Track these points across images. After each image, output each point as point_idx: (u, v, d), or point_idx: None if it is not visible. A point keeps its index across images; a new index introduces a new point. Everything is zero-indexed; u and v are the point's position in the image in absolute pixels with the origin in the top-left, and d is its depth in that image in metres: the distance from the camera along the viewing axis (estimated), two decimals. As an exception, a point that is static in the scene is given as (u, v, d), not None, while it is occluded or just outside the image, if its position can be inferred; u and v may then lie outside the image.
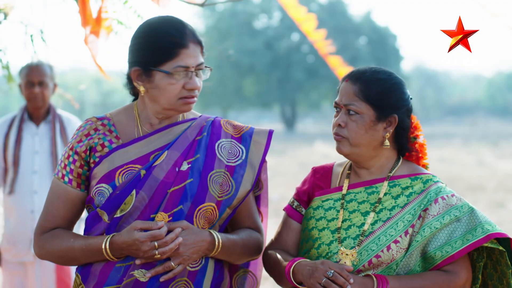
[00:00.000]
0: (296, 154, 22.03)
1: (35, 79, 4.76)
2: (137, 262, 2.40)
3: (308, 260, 2.49)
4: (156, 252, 2.37)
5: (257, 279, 2.73)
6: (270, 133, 2.62)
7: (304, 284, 2.44)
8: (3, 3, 3.90)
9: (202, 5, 3.78)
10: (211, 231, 2.48)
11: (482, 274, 2.58)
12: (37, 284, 4.77)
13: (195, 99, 2.48)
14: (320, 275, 2.39)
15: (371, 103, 2.52)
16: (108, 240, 2.40)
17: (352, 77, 2.57)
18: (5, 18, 4.02)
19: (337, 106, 2.58)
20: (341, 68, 5.51)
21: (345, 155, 2.58)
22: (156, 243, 2.36)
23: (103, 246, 2.40)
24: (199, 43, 2.47)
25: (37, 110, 4.83)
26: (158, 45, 2.42)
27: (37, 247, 2.54)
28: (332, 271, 2.38)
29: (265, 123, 42.85)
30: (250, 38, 37.25)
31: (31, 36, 4.07)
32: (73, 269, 4.83)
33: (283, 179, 14.97)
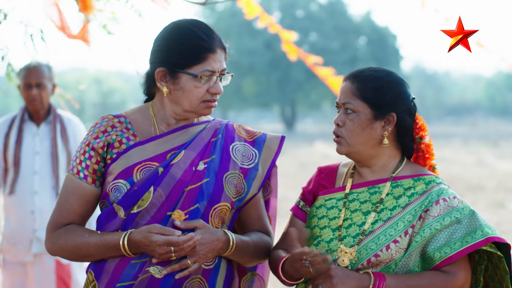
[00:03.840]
0: (296, 154, 22.03)
1: (32, 81, 4.75)
2: (153, 261, 2.43)
3: (288, 255, 2.48)
4: (173, 255, 2.41)
5: (265, 282, 2.77)
6: (282, 139, 2.67)
7: (304, 276, 2.44)
8: (2, 3, 3.90)
9: (204, 3, 3.79)
10: (226, 231, 2.52)
11: (484, 276, 2.57)
12: (37, 284, 4.77)
13: (216, 103, 2.53)
14: (300, 263, 2.38)
15: (367, 101, 2.52)
16: (127, 236, 2.42)
17: (350, 77, 2.58)
18: (5, 18, 4.01)
19: (337, 105, 2.59)
20: (331, 78, 5.57)
21: (344, 155, 2.59)
22: (172, 248, 2.40)
23: (121, 242, 2.42)
24: (224, 49, 2.52)
25: (36, 112, 4.82)
26: (187, 48, 2.46)
27: (50, 243, 2.53)
28: (308, 261, 2.37)
29: (265, 123, 42.87)
30: (249, 38, 37.28)
31: (31, 36, 4.06)
32: (73, 269, 4.83)
33: (283, 179, 14.96)
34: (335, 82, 5.75)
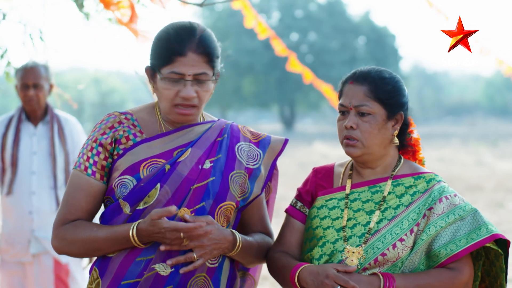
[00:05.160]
0: (295, 154, 22.03)
1: (29, 81, 4.74)
2: (162, 248, 2.41)
3: (311, 265, 2.49)
4: (183, 242, 2.40)
5: (255, 281, 2.80)
6: (286, 141, 2.69)
7: None
8: (2, 3, 3.89)
9: (201, 5, 3.77)
10: (233, 231, 2.53)
11: (481, 270, 2.60)
12: (35, 284, 4.77)
13: (192, 110, 2.50)
14: (330, 285, 2.40)
15: (382, 102, 2.53)
16: (135, 227, 2.41)
17: (357, 78, 2.56)
18: (4, 18, 4.01)
19: (344, 109, 2.57)
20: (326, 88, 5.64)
21: (356, 157, 2.58)
22: (181, 234, 2.38)
23: (130, 233, 2.41)
24: (204, 54, 2.48)
25: (33, 112, 4.82)
26: (160, 49, 2.49)
27: (57, 240, 2.52)
28: (339, 287, 2.39)
29: (264, 123, 42.88)
30: (249, 38, 37.26)
31: (30, 35, 4.06)
32: (72, 269, 4.82)
33: (282, 179, 14.93)
34: (329, 90, 5.83)
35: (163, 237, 2.39)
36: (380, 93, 2.52)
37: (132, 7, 3.48)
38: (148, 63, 2.55)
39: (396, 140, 2.58)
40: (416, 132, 2.68)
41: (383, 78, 2.55)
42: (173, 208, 2.38)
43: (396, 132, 2.57)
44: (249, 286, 2.76)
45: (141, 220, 2.43)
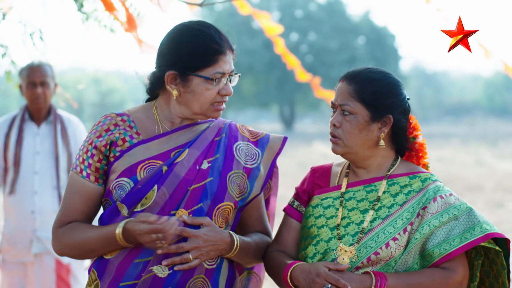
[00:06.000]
0: (295, 154, 22.03)
1: (37, 79, 4.75)
2: (158, 252, 2.42)
3: (303, 264, 2.51)
4: (161, 243, 2.37)
5: (261, 279, 2.79)
6: (285, 140, 2.68)
7: None
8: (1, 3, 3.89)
9: (200, 4, 3.78)
10: (231, 233, 2.52)
11: (480, 271, 2.60)
12: (36, 284, 4.77)
13: (224, 105, 2.53)
14: (320, 284, 2.41)
15: (365, 103, 2.53)
16: (122, 226, 2.40)
17: (347, 78, 2.58)
18: (3, 18, 4.01)
19: (333, 106, 2.60)
20: (319, 89, 5.62)
21: (340, 155, 2.60)
22: (155, 235, 2.36)
23: (116, 231, 2.40)
24: (232, 50, 2.52)
25: (38, 111, 4.83)
26: (199, 50, 2.45)
27: (55, 242, 2.54)
28: (329, 285, 2.40)
29: (264, 123, 42.86)
30: (248, 38, 37.28)
31: (30, 35, 4.06)
32: (73, 268, 4.83)
33: (282, 179, 14.89)
34: (326, 93, 5.81)
35: (142, 241, 2.37)
36: (364, 94, 2.52)
37: (129, 17, 3.48)
38: (167, 67, 2.47)
39: (382, 143, 2.55)
40: (421, 137, 2.66)
41: (371, 79, 2.55)
42: (163, 219, 2.35)
43: (383, 135, 2.55)
44: (254, 284, 2.75)
45: (130, 219, 2.41)
